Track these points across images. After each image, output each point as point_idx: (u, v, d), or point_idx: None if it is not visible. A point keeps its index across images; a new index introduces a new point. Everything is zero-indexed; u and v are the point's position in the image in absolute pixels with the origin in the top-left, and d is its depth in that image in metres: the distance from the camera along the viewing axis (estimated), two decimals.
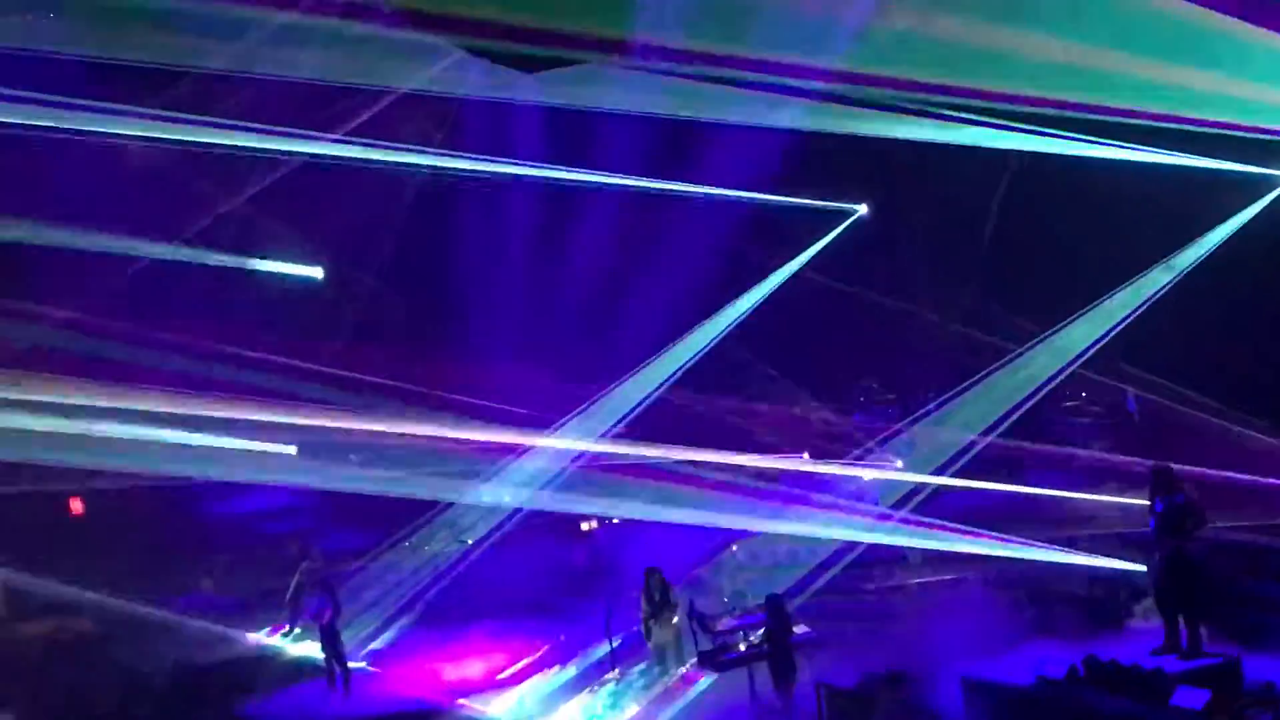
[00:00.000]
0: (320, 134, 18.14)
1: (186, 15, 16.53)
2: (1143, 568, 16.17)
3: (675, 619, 17.24)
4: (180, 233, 18.82)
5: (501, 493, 20.83)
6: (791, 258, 21.04)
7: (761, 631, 16.54)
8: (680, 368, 21.00)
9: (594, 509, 21.15)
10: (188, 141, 17.61)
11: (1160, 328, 18.94)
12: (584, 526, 21.71)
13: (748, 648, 16.75)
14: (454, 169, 18.92)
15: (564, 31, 16.28)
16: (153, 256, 18.65)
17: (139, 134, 17.36)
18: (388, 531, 20.84)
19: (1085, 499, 19.62)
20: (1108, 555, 17.68)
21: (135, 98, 16.94)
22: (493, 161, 18.88)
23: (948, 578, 18.98)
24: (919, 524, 19.27)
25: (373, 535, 20.85)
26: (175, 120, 17.36)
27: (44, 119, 16.60)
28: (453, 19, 16.55)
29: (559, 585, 19.94)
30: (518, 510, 20.63)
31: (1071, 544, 18.18)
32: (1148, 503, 15.21)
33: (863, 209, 20.79)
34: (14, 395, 17.86)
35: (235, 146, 17.67)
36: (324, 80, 17.41)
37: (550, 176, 19.07)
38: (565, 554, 20.84)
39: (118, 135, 17.28)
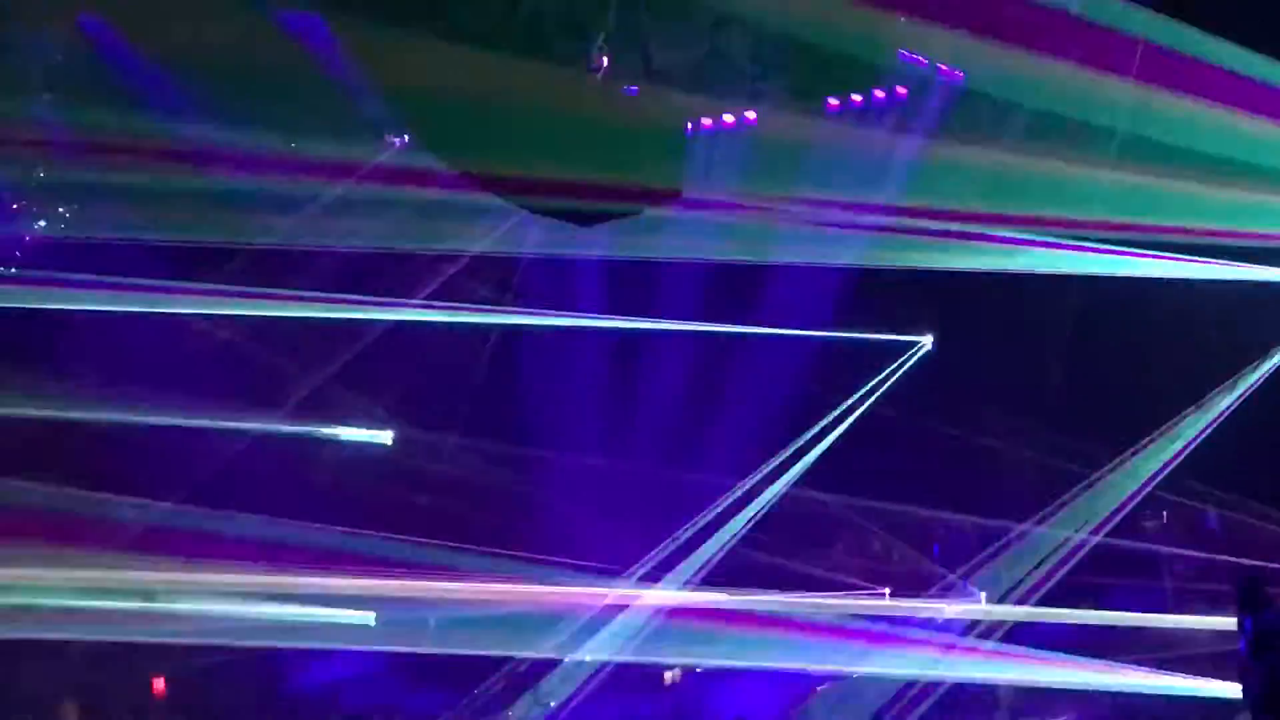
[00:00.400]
0: (386, 300, 18.38)
1: (247, 193, 16.88)
2: (1237, 688, 15.86)
3: None
4: (249, 406, 18.93)
5: (583, 650, 20.68)
6: (860, 394, 20.90)
7: None
8: (757, 512, 20.85)
9: (676, 659, 20.95)
10: (254, 316, 17.86)
11: (1231, 445, 18.82)
12: (666, 678, 21.49)
13: None
14: (521, 324, 19.08)
15: (619, 186, 16.52)
16: (221, 430, 18.77)
17: (206, 311, 17.63)
18: (469, 694, 20.70)
19: (1174, 622, 19.32)
20: (1199, 677, 17.38)
21: (200, 274, 17.21)
22: (558, 315, 19.01)
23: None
24: (1006, 655, 19.06)
25: (454, 698, 20.72)
26: (242, 295, 17.64)
27: (114, 301, 16.91)
28: (510, 180, 16.82)
29: None
30: (602, 666, 20.45)
31: (1163, 668, 17.92)
32: (1236, 621, 14.94)
33: (928, 341, 20.68)
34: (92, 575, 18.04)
35: (301, 318, 17.92)
36: (386, 248, 17.67)
37: (614, 326, 19.15)
38: (649, 708, 20.62)
39: (185, 314, 17.55)
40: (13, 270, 17.38)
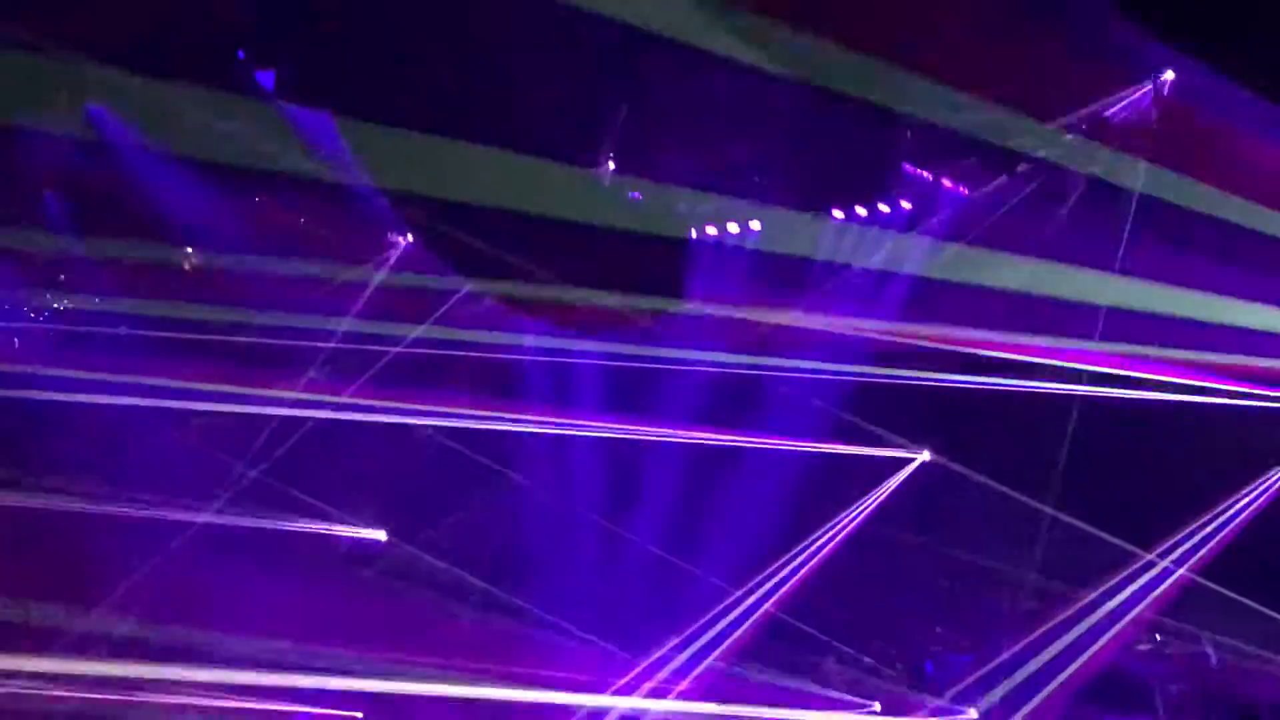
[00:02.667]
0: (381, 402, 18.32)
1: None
2: None
3: None
4: (236, 501, 18.82)
5: None
6: (855, 508, 20.80)
7: None
8: (742, 625, 20.70)
9: None
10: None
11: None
12: None
13: None
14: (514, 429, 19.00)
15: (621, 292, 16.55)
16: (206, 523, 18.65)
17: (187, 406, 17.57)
18: None
19: None
20: None
21: (196, 367, 17.16)
22: (549, 420, 18.94)
23: None
24: None
25: None
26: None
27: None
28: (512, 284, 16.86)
29: None
30: None
31: None
32: None
33: (925, 455, 20.58)
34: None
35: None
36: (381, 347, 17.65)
37: (607, 433, 19.07)
38: None
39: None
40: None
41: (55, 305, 17.36)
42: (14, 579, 17.11)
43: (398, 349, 17.98)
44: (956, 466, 20.14)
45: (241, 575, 18.47)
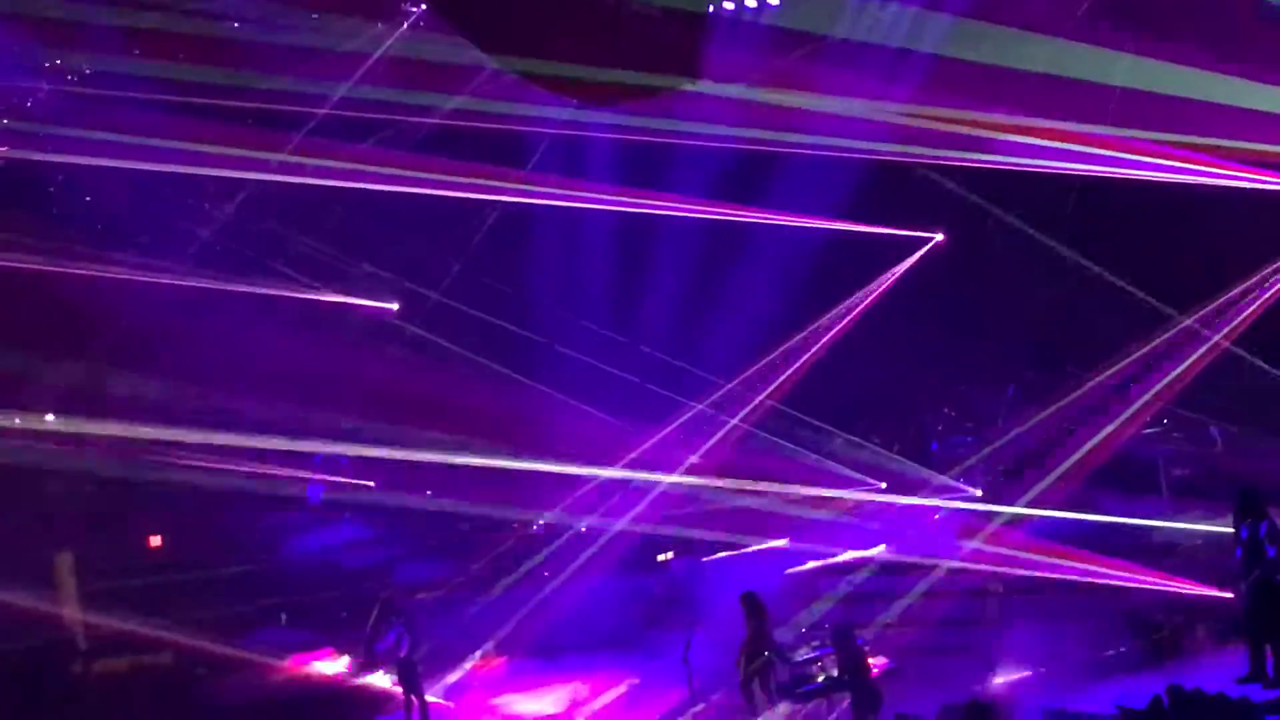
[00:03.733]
0: (399, 170, 18.24)
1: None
2: (1229, 595, 15.96)
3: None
4: (253, 270, 18.89)
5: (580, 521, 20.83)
6: (868, 286, 20.85)
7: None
8: (758, 399, 20.89)
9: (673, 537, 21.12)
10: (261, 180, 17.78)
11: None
12: (660, 558, 21.65)
13: (825, 679, 16.58)
14: (529, 200, 18.97)
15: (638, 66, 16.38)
16: (224, 290, 18.74)
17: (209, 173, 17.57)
18: (466, 563, 20.87)
19: (1170, 526, 19.35)
20: (1193, 582, 17.47)
21: (210, 134, 17.10)
22: (568, 191, 18.87)
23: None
24: (1000, 555, 19.14)
25: (451, 567, 20.88)
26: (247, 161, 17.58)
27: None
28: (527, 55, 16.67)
29: (637, 617, 19.87)
30: (599, 537, 20.56)
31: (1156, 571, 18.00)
32: (1232, 530, 15.02)
33: (939, 237, 20.54)
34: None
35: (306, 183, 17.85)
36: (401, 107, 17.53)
37: (623, 205, 19.02)
38: (642, 585, 20.76)
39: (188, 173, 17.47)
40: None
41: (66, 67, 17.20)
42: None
43: (413, 119, 17.84)
44: (970, 249, 20.21)
45: (258, 341, 18.67)
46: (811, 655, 16.95)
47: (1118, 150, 17.20)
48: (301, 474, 20.36)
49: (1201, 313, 19.33)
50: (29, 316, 17.20)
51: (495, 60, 16.97)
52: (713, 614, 18.01)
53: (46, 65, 17.23)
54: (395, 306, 19.89)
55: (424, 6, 17.22)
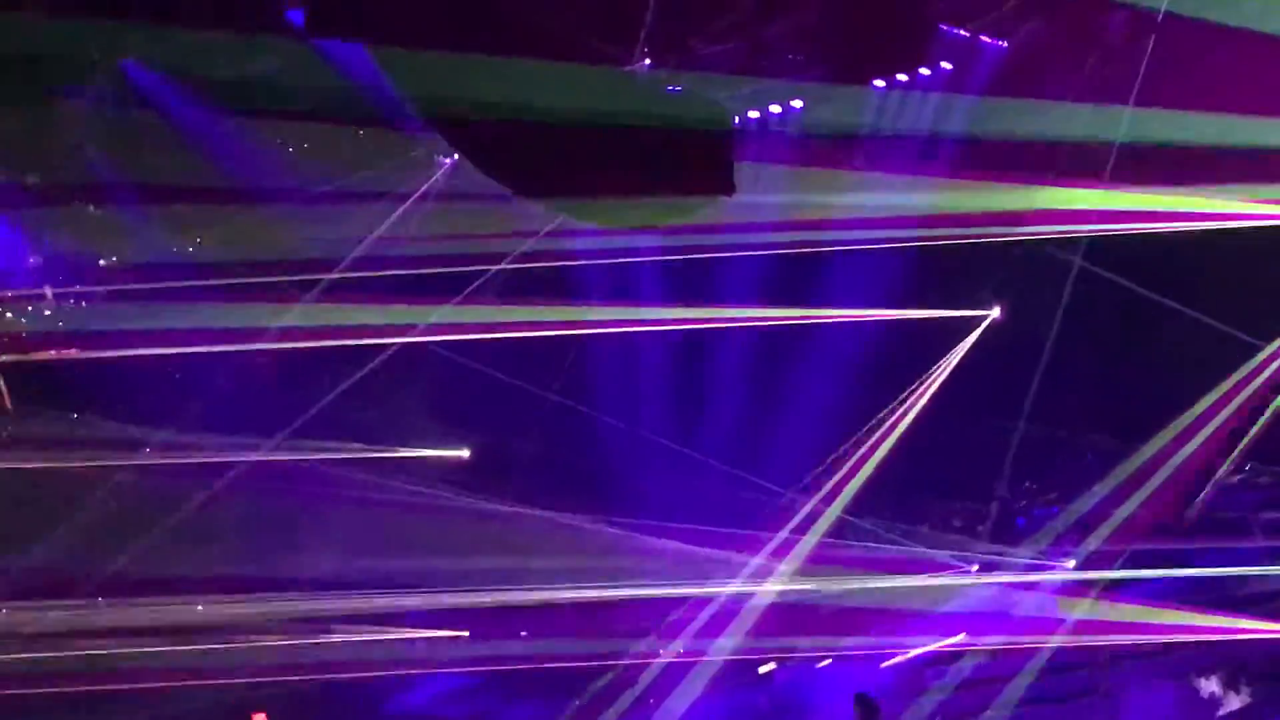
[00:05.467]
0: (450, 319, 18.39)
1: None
2: None
3: None
4: (315, 431, 19.00)
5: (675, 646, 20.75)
6: (929, 372, 20.77)
7: None
8: (836, 499, 20.80)
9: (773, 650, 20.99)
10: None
11: None
12: (762, 671, 21.51)
13: None
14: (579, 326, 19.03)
15: (669, 187, 16.47)
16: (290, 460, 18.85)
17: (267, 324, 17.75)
18: (566, 701, 20.81)
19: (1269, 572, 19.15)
20: None
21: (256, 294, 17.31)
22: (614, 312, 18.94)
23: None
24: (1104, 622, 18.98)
25: (552, 707, 20.84)
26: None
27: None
28: (559, 189, 16.78)
29: None
30: (697, 662, 20.47)
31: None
32: None
33: (995, 312, 20.45)
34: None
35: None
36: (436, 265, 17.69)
37: (674, 322, 19.07)
38: (748, 701, 20.65)
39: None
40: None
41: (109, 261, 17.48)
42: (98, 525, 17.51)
43: (454, 269, 17.99)
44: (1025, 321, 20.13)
45: (331, 505, 18.78)
46: None
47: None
48: (393, 634, 20.37)
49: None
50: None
51: (532, 202, 17.12)
52: None
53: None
54: (466, 454, 19.93)
55: (454, 158, 17.46)
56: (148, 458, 18.07)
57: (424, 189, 17.55)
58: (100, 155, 16.25)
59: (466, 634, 20.39)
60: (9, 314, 17.19)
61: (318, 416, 18.89)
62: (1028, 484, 21.96)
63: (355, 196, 17.21)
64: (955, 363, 20.61)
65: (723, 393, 20.11)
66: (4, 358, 17.20)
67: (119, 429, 17.78)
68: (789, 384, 20.00)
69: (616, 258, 18.40)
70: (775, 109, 17.48)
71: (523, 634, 20.34)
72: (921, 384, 20.76)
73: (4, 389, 17.67)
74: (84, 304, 17.41)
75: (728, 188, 16.67)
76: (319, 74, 15.94)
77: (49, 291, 17.15)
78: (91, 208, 16.80)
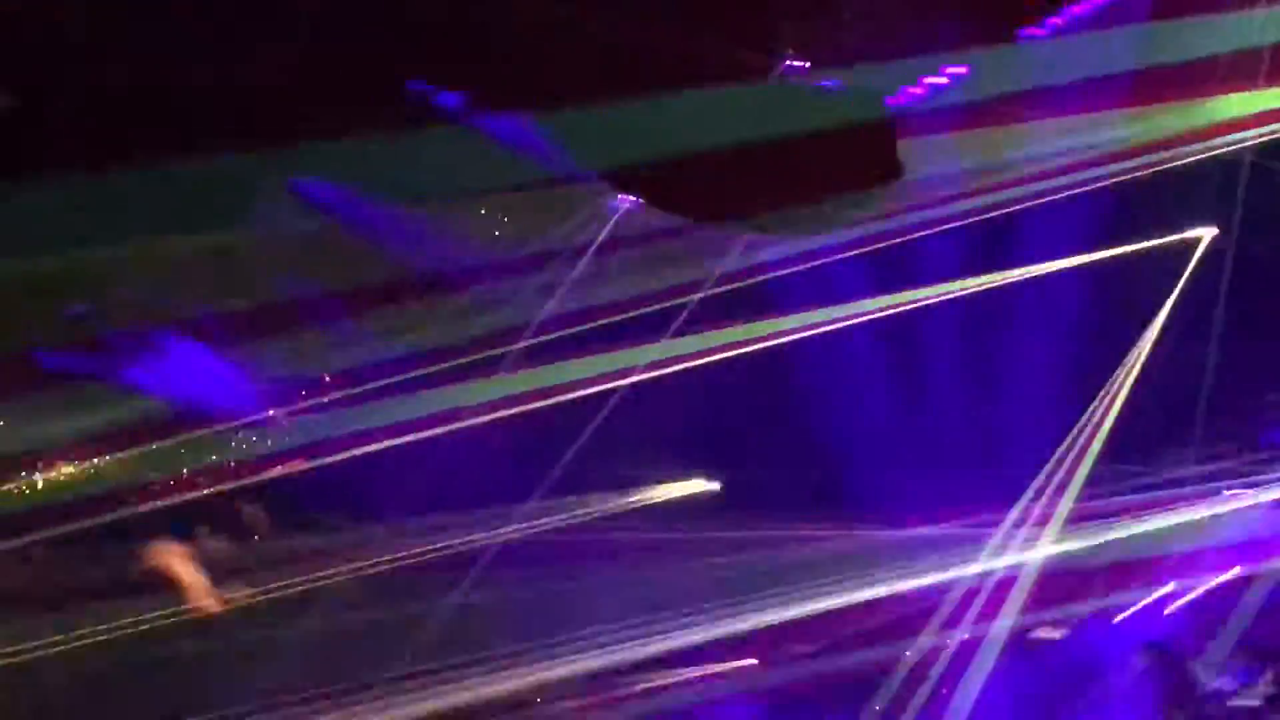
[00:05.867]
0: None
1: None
2: None
3: None
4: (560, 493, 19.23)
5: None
6: (1154, 307, 20.28)
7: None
8: (1086, 452, 20.38)
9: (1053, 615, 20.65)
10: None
11: None
12: (1045, 636, 21.16)
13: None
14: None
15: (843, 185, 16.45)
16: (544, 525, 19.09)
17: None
18: (863, 706, 20.69)
19: None
20: None
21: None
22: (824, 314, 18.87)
23: None
24: None
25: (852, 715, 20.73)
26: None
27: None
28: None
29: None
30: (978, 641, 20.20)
31: None
32: None
33: (1212, 230, 19.88)
34: None
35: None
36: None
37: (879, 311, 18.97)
38: (1037, 670, 20.32)
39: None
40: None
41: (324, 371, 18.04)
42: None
43: (651, 308, 18.12)
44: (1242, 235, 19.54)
45: (594, 561, 19.00)
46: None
47: None
48: (686, 674, 20.49)
49: None
50: None
51: (713, 228, 17.24)
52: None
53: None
54: (718, 486, 19.99)
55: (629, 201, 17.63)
56: (407, 551, 18.47)
57: (602, 237, 17.74)
58: (290, 274, 16.81)
59: (754, 661, 20.43)
60: (244, 443, 17.82)
61: (559, 479, 19.21)
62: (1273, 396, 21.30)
63: (539, 260, 17.51)
64: (1179, 290, 20.12)
65: (942, 373, 19.90)
66: (249, 481, 17.86)
67: (369, 530, 18.25)
68: (1008, 350, 19.70)
69: (810, 262, 18.44)
70: (932, 80, 17.27)
71: (807, 651, 20.29)
72: (1149, 319, 20.29)
73: (261, 512, 18.36)
74: (312, 416, 17.96)
75: (896, 171, 16.58)
76: (480, 149, 16.29)
77: (276, 412, 17.80)
78: (298, 326, 17.37)
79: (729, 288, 18.31)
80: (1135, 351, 20.11)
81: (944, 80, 17.27)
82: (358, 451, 17.44)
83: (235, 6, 14.56)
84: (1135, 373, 20.06)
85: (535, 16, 15.04)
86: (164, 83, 14.61)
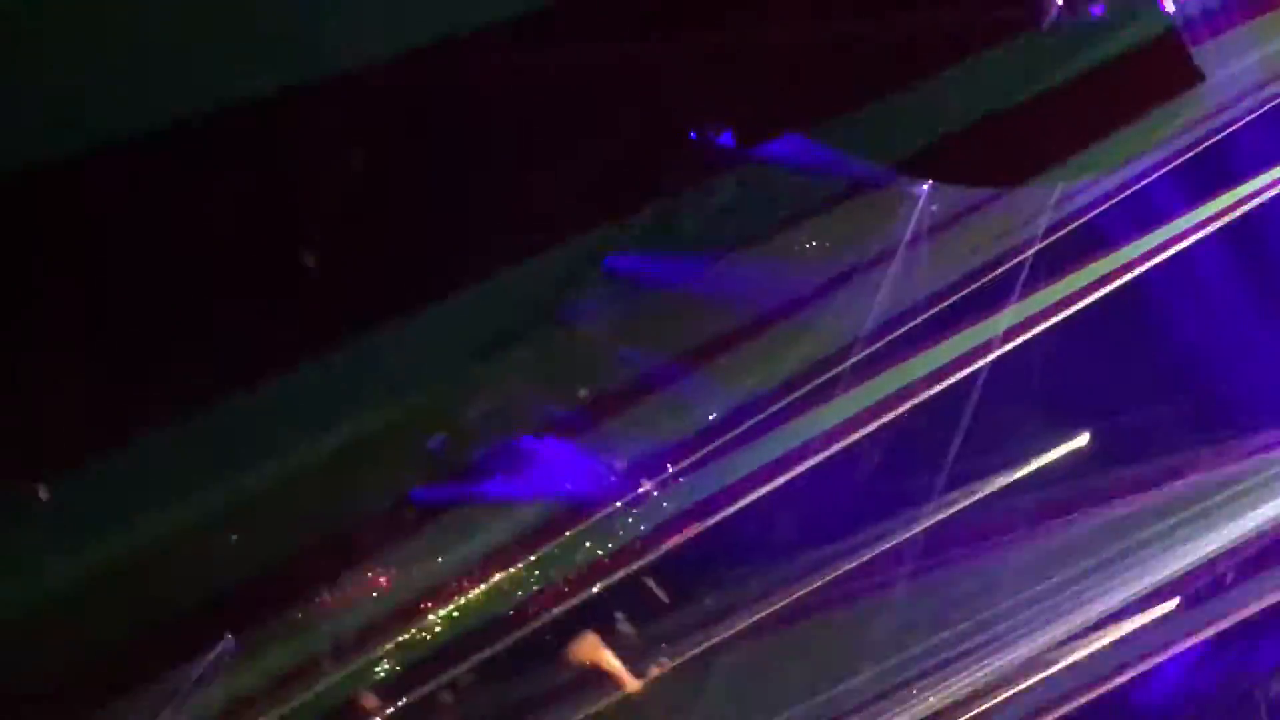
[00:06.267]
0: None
1: None
2: None
3: None
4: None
5: None
6: None
7: None
8: None
9: None
10: None
11: None
12: None
13: None
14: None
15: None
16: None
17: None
18: None
19: None
20: None
21: None
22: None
23: None
24: None
25: None
26: None
27: None
28: None
29: None
30: None
31: None
32: None
33: None
34: None
35: None
36: None
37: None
38: None
39: None
40: None
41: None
42: None
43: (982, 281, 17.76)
44: None
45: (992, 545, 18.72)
46: None
47: None
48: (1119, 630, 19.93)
49: None
50: None
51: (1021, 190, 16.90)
52: None
53: None
54: (1085, 439, 19.50)
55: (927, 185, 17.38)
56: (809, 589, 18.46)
57: (912, 232, 17.51)
58: (626, 349, 17.08)
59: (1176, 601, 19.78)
60: (628, 522, 18.09)
61: (944, 474, 19.00)
62: None
63: (854, 271, 17.39)
64: None
65: None
66: (644, 559, 18.10)
67: (765, 581, 18.32)
68: None
69: (1131, 189, 17.84)
70: None
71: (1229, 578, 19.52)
72: None
73: (661, 585, 18.57)
74: (683, 480, 18.14)
75: (1196, 77, 15.97)
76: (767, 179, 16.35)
77: (648, 485, 18.02)
78: (645, 393, 17.59)
79: (1057, 238, 17.74)
80: None
81: None
82: (741, 504, 17.50)
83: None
84: None
85: (782, 34, 15.01)
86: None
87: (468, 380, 16.61)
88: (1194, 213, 18.21)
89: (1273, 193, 18.00)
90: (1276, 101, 17.01)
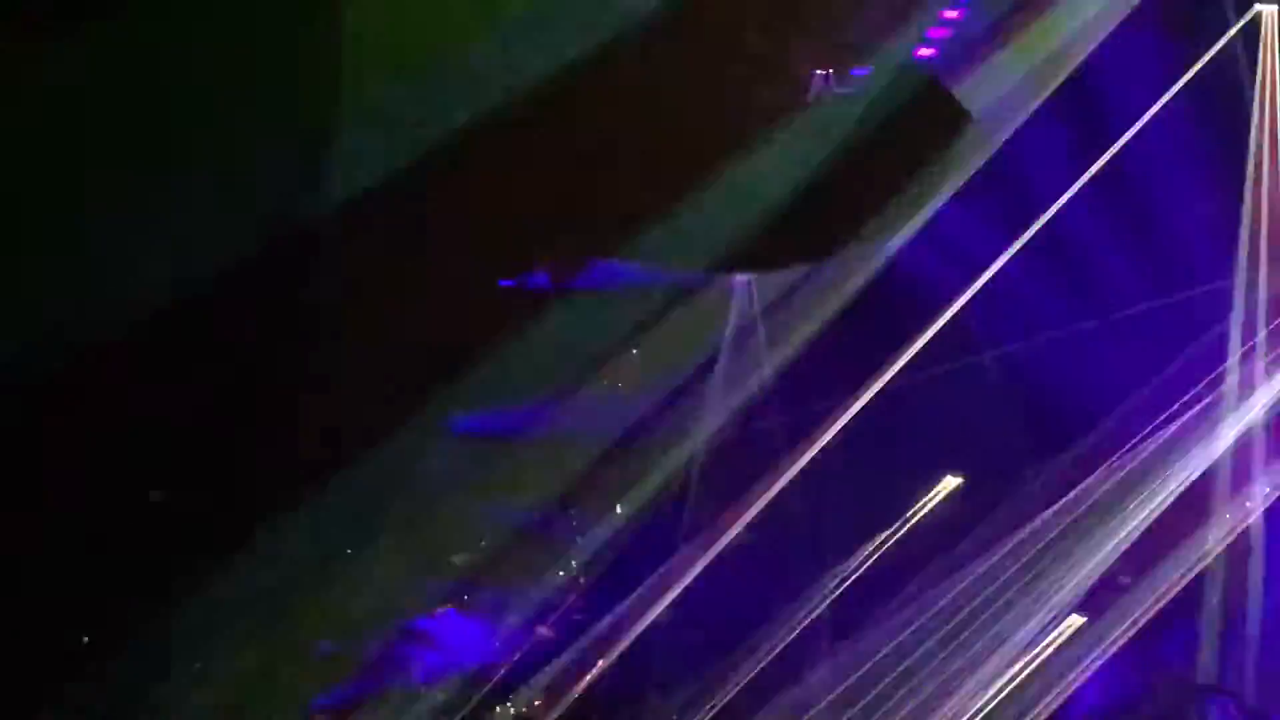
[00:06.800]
0: None
1: None
2: None
3: None
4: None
5: None
6: None
7: None
8: None
9: None
10: None
11: None
12: None
13: None
14: None
15: None
16: None
17: None
18: None
19: None
20: None
21: None
22: None
23: None
24: None
25: None
26: None
27: None
28: None
29: None
30: None
31: None
32: None
33: None
34: None
35: None
36: None
37: None
38: None
39: None
40: None
41: None
42: None
43: None
44: None
45: None
46: None
47: None
48: None
49: None
50: None
51: None
52: None
53: None
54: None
55: None
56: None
57: (737, 323, 17.76)
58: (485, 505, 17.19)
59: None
60: (529, 680, 17.99)
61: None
62: None
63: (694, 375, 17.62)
64: None
65: None
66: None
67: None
68: None
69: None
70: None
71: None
72: None
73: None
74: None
75: (964, 118, 16.39)
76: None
77: (543, 630, 17.99)
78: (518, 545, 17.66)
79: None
80: None
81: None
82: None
83: None
84: None
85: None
86: None
87: (347, 577, 16.45)
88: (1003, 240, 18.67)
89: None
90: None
